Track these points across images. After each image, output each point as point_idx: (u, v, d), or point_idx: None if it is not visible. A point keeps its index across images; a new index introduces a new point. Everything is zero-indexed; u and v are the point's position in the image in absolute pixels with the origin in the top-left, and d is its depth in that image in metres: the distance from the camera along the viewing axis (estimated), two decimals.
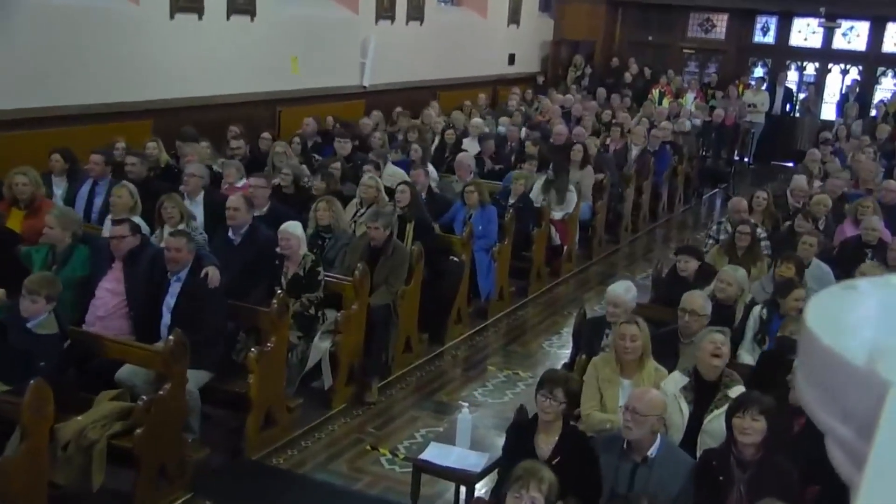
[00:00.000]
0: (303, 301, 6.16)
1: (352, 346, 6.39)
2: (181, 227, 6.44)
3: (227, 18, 10.45)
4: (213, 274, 5.49)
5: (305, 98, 11.60)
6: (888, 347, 0.82)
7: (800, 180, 9.38)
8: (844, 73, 17.23)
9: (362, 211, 7.65)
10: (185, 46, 9.89)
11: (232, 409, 5.72)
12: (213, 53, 10.20)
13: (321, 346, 6.20)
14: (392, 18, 13.26)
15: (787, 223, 8.03)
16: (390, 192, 7.85)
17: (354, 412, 6.35)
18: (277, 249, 6.23)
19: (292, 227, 6.27)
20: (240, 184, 7.81)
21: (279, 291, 5.82)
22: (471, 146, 10.99)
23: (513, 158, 10.58)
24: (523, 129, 12.13)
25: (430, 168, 9.66)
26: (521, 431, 4.34)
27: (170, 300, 5.51)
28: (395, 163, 9.44)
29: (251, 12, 10.71)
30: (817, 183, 9.84)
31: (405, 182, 7.91)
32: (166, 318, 5.50)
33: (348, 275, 6.49)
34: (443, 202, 8.56)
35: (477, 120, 11.90)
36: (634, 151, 11.65)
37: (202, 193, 7.28)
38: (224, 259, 5.91)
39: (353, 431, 6.11)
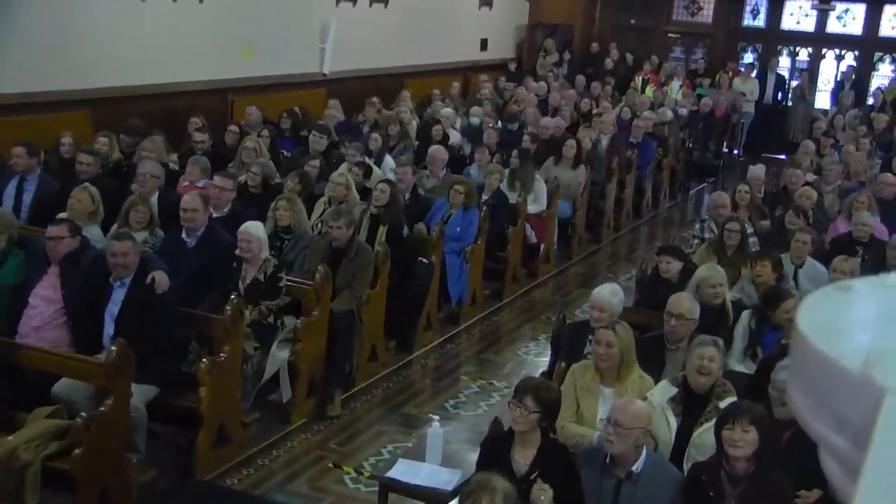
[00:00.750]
0: (261, 309, 6.13)
1: (312, 355, 6.36)
2: (144, 234, 6.39)
3: (174, 0, 10.37)
4: (160, 279, 5.45)
5: (260, 87, 11.54)
6: (884, 351, 0.83)
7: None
8: (839, 58, 17.44)
9: (330, 210, 7.63)
10: (127, 30, 9.79)
11: (181, 426, 5.67)
12: (157, 38, 10.12)
13: (279, 355, 6.17)
14: (354, 0, 13.23)
15: (780, 215, 8.11)
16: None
17: (315, 427, 6.33)
18: (237, 252, 6.20)
19: (254, 229, 6.24)
20: (200, 183, 7.75)
21: (234, 297, 5.79)
22: (454, 140, 11.02)
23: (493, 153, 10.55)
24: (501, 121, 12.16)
25: (388, 160, 9.66)
26: (497, 445, 4.35)
27: (113, 308, 5.45)
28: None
29: None
30: (811, 176, 9.95)
31: (386, 180, 7.90)
32: (109, 328, 5.44)
33: (308, 278, 6.47)
34: (427, 203, 8.56)
35: (447, 110, 11.91)
36: (604, 141, 11.68)
37: (157, 194, 7.22)
38: (176, 263, 5.87)
39: (315, 448, 6.08)
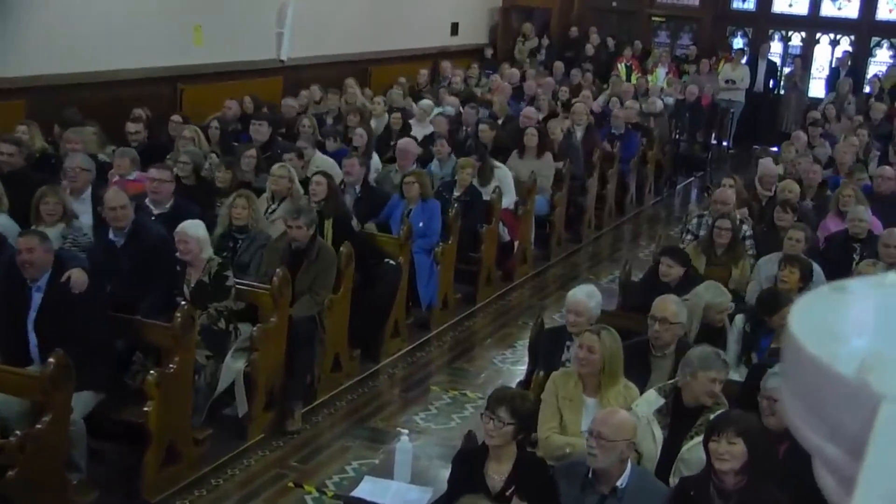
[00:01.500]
0: (210, 312, 6.10)
1: (270, 365, 6.34)
2: (60, 227, 6.32)
3: None
4: (76, 277, 5.35)
5: (212, 75, 11.48)
6: (881, 356, 0.84)
7: (768, 164, 9.56)
8: (834, 44, 17.63)
9: (274, 206, 7.62)
10: (65, 12, 9.70)
11: (126, 444, 5.63)
12: (100, 22, 10.03)
13: (234, 366, 6.14)
14: None
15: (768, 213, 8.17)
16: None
17: (274, 443, 6.30)
18: (177, 254, 6.16)
19: (191, 228, 6.20)
20: (132, 176, 7.69)
21: (183, 303, 5.75)
22: (419, 131, 11.01)
23: (468, 145, 10.54)
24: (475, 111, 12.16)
25: (375, 158, 9.66)
26: (470, 460, 4.35)
27: (32, 314, 5.38)
28: (336, 153, 9.39)
29: None
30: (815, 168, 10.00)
31: (321, 172, 7.88)
32: (32, 337, 5.38)
33: (266, 281, 6.44)
34: (380, 197, 8.55)
35: (426, 101, 11.91)
36: (578, 133, 11.70)
37: (89, 189, 7.15)
38: (107, 266, 5.82)
39: (273, 466, 6.06)
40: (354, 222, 7.88)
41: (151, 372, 5.45)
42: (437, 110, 12.05)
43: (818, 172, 9.32)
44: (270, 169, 7.90)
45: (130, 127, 8.99)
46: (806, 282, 6.27)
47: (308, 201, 7.49)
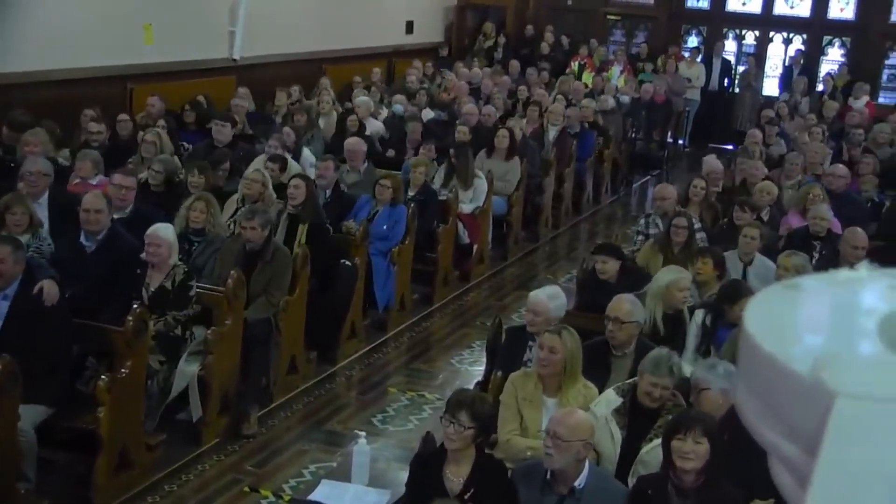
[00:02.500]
0: (168, 320, 6.05)
1: (225, 369, 6.30)
2: (26, 237, 6.22)
3: None
4: (48, 289, 5.32)
5: (163, 74, 11.37)
6: (835, 353, 0.85)
7: (713, 162, 9.67)
8: (787, 42, 17.88)
9: (243, 210, 7.57)
10: (9, 12, 9.55)
11: (77, 451, 5.56)
12: (47, 20, 9.89)
13: (188, 370, 6.09)
14: None
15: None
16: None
17: (229, 447, 6.26)
18: (142, 256, 6.10)
19: (164, 232, 6.16)
20: (95, 181, 7.59)
21: (137, 306, 5.69)
22: (369, 129, 10.99)
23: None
24: (426, 111, 12.18)
25: (306, 152, 9.61)
26: (428, 463, 4.36)
27: None
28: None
29: None
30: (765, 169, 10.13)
31: (300, 175, 7.86)
32: None
33: (220, 284, 6.39)
34: (350, 200, 8.53)
35: (363, 98, 11.88)
36: (552, 133, 11.78)
37: (47, 193, 7.04)
38: (73, 270, 5.75)
39: (229, 470, 6.02)
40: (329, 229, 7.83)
41: (103, 377, 5.39)
42: (399, 108, 12.04)
43: (760, 170, 9.46)
44: (244, 172, 7.85)
45: (93, 127, 8.84)
46: (721, 270, 6.46)
47: (285, 204, 7.45)
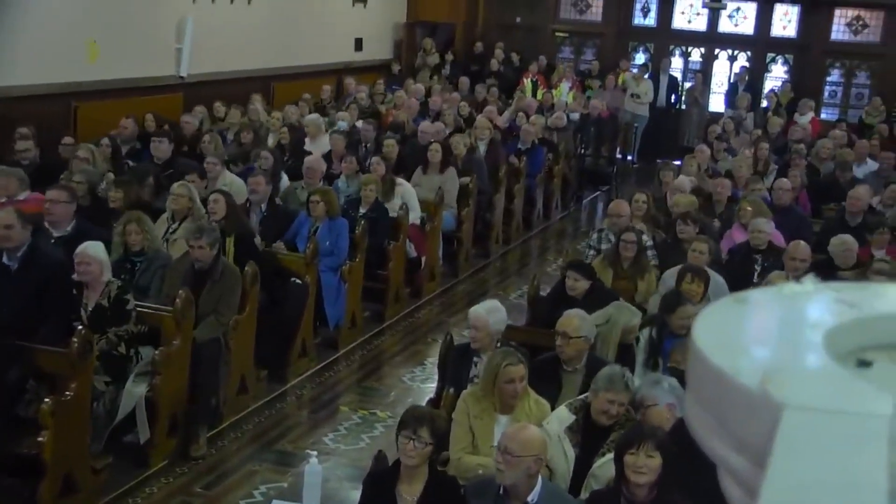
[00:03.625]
0: (109, 337, 5.97)
1: (173, 389, 6.23)
2: None
3: None
4: None
5: (108, 91, 11.25)
6: (782, 366, 0.86)
7: (681, 179, 9.76)
8: (732, 59, 18.18)
9: (174, 226, 7.50)
10: None
11: (20, 476, 5.46)
12: None
13: (135, 391, 6.01)
14: None
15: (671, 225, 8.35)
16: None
17: (178, 469, 6.19)
18: (74, 276, 6.00)
19: (92, 249, 6.07)
20: (22, 196, 7.48)
21: (80, 327, 5.60)
22: (317, 147, 10.94)
23: (368, 162, 10.49)
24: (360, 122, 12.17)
25: (285, 178, 9.56)
26: (381, 481, 4.34)
27: None
28: (242, 171, 9.27)
29: None
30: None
31: (217, 190, 7.80)
32: None
33: (168, 303, 6.33)
34: (287, 215, 8.48)
35: (311, 116, 11.85)
36: (481, 147, 11.78)
37: None
38: (1, 291, 5.63)
39: (178, 493, 5.95)
40: (258, 240, 7.79)
41: (46, 400, 5.30)
42: (342, 125, 12.02)
43: (727, 186, 9.56)
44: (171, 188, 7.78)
45: (19, 145, 8.74)
46: (706, 292, 6.45)
47: (208, 220, 7.39)
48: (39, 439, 5.23)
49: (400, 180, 9.57)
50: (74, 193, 7.19)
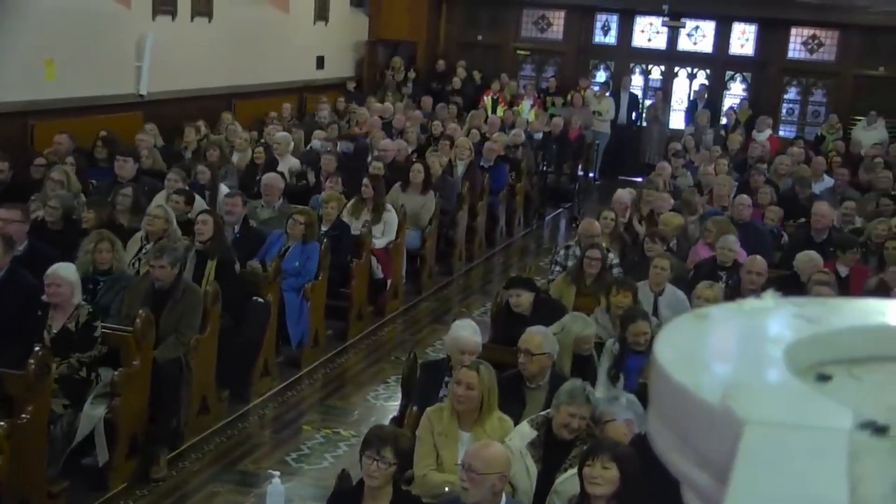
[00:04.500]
0: (71, 362, 5.89)
1: (133, 410, 6.16)
2: None
3: None
4: None
5: (66, 110, 11.13)
6: (743, 382, 0.87)
7: (623, 195, 9.84)
8: (692, 77, 18.38)
9: (148, 247, 7.43)
10: None
11: None
12: None
13: (94, 413, 5.94)
14: (173, 13, 12.99)
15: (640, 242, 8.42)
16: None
17: (138, 492, 6.12)
18: (44, 298, 5.93)
19: (64, 271, 6.00)
20: None
21: (38, 349, 5.52)
22: (285, 165, 10.92)
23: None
24: (339, 144, 12.16)
25: (223, 188, 9.52)
26: (345, 501, 4.31)
27: None
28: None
29: None
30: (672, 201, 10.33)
31: (206, 210, 7.76)
32: None
33: (128, 323, 6.26)
34: (259, 236, 8.43)
35: (281, 134, 11.83)
36: (461, 168, 11.86)
37: None
38: None
39: None
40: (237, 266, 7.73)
41: (1, 423, 5.22)
42: (315, 143, 12.01)
43: (668, 201, 9.69)
44: (147, 209, 7.71)
45: None
46: (635, 301, 6.65)
47: (192, 241, 7.34)
48: None
49: (389, 206, 9.57)
50: (28, 213, 7.10)
